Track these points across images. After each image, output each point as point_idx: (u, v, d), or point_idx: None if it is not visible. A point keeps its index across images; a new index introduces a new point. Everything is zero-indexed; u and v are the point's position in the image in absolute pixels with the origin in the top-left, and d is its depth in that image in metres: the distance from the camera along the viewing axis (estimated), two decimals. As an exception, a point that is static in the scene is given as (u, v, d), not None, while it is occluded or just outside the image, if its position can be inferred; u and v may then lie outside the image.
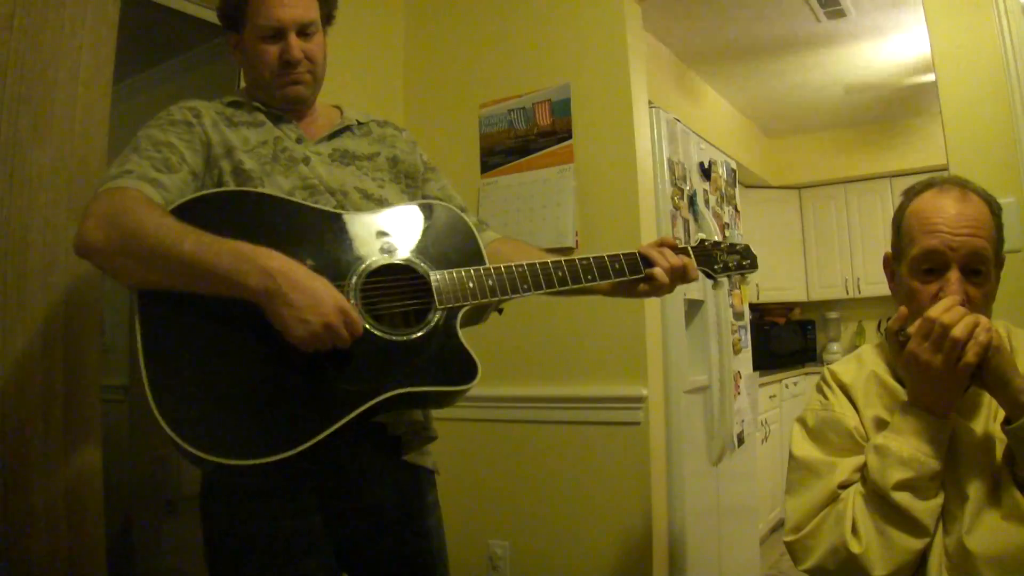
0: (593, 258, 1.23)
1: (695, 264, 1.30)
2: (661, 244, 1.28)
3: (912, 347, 0.99)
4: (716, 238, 1.41)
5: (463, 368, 1.09)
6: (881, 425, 1.08)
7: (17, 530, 1.31)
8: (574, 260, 1.21)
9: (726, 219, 2.87)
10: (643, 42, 2.39)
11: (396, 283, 1.12)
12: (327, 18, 1.30)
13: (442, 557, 1.28)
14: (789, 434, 1.21)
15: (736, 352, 2.75)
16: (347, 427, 1.01)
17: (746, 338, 2.97)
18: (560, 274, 1.20)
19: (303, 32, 1.22)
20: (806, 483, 1.10)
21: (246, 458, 0.95)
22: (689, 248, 1.32)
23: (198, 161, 1.14)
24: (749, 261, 1.41)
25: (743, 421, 2.75)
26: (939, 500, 1.00)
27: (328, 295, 0.99)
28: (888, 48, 3.85)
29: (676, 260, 1.25)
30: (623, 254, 1.24)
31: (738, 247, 1.41)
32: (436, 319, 1.10)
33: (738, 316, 2.87)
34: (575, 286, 1.22)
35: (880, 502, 1.00)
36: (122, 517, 2.22)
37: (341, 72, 2.34)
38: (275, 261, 0.99)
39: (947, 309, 0.97)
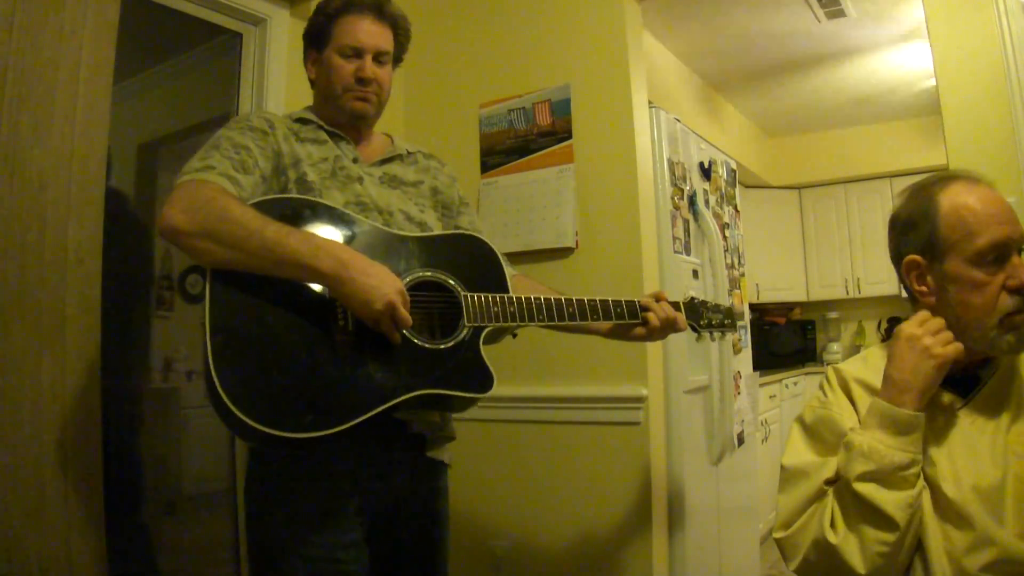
0: (599, 300, 1.41)
1: (684, 318, 1.50)
2: (655, 296, 1.47)
3: (903, 325, 1.06)
4: (703, 297, 1.63)
5: (481, 379, 1.25)
6: None
7: (17, 531, 1.31)
8: (584, 300, 1.40)
9: (726, 219, 2.86)
10: (643, 42, 2.39)
11: (431, 298, 1.27)
12: (397, 58, 1.48)
13: (446, 538, 1.44)
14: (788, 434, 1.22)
15: (736, 352, 2.75)
16: (376, 420, 1.14)
17: (746, 338, 2.97)
18: (571, 310, 1.38)
19: (378, 58, 1.39)
20: (796, 481, 1.12)
21: (291, 431, 1.07)
22: (681, 304, 1.52)
23: (269, 167, 1.28)
24: (729, 322, 1.63)
25: (743, 421, 2.75)
26: (912, 492, 0.99)
27: (390, 279, 1.15)
28: (888, 48, 3.85)
29: (670, 311, 1.46)
30: (625, 300, 1.44)
31: (721, 307, 1.62)
32: (463, 334, 1.25)
33: (738, 316, 2.87)
34: (581, 322, 1.41)
35: (850, 495, 1.02)
36: (122, 518, 2.21)
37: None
38: (344, 251, 1.14)
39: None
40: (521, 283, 1.49)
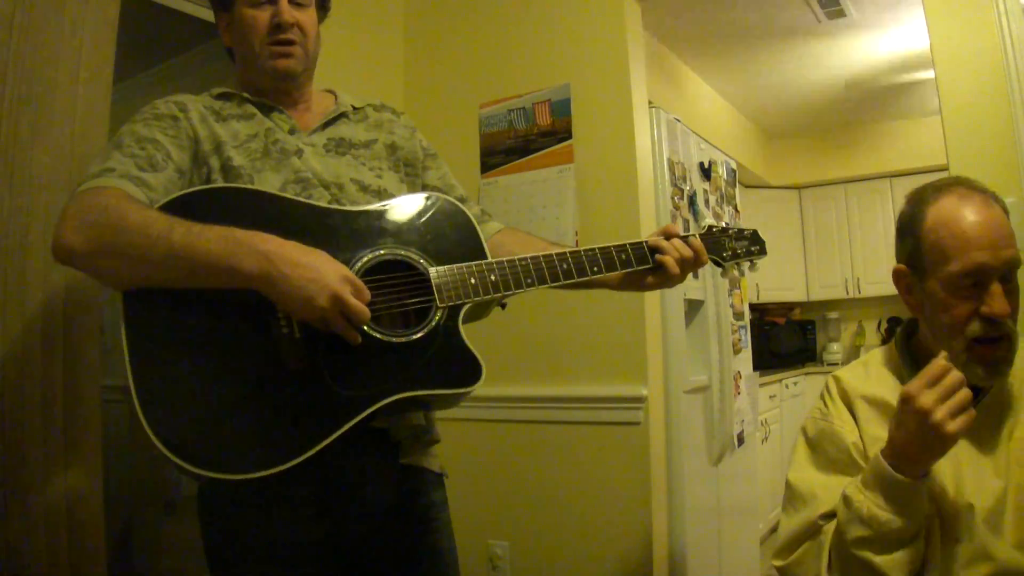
0: (599, 249, 1.18)
1: (705, 250, 1.25)
2: (665, 233, 1.23)
3: (913, 389, 0.92)
4: (724, 223, 1.39)
5: (467, 369, 1.05)
6: (879, 443, 1.04)
7: (17, 531, 1.31)
8: (580, 252, 1.17)
9: (726, 219, 2.87)
10: (643, 42, 2.39)
11: (393, 280, 1.06)
12: (322, 6, 1.27)
13: (452, 556, 1.23)
14: (793, 438, 1.21)
15: (736, 352, 2.75)
16: (347, 433, 0.98)
17: (746, 338, 2.97)
18: (565, 267, 1.15)
19: (295, 0, 1.18)
20: (796, 505, 1.10)
21: (241, 472, 0.91)
22: (697, 235, 1.27)
23: (184, 158, 1.09)
24: (758, 247, 1.36)
25: (743, 421, 2.75)
26: (909, 551, 0.97)
27: (329, 266, 0.96)
28: (888, 48, 3.85)
29: (686, 249, 1.21)
30: (630, 244, 1.20)
31: (746, 232, 1.36)
32: (437, 318, 1.06)
33: (738, 316, 2.87)
34: (581, 279, 1.17)
35: (848, 554, 0.99)
36: (122, 518, 2.21)
37: (341, 72, 2.34)
38: (269, 243, 0.95)
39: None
40: (510, 238, 1.31)
